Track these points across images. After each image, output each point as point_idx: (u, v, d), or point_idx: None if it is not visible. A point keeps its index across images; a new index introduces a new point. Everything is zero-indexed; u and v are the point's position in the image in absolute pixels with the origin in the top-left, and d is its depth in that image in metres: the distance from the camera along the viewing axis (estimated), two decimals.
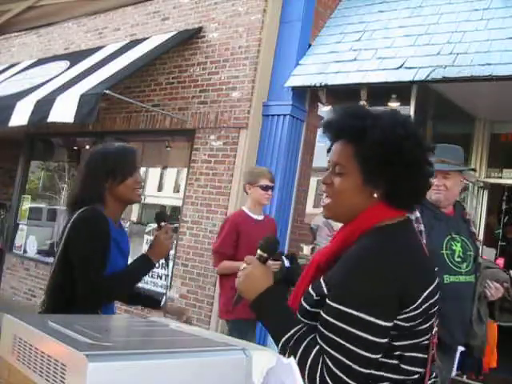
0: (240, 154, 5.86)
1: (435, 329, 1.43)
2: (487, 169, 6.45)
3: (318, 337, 1.33)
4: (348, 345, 1.27)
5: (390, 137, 1.35)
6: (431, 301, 1.35)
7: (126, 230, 2.84)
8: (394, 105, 5.79)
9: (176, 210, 6.79)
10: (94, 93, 5.42)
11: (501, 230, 7.18)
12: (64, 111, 5.43)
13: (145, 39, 6.86)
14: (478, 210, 6.49)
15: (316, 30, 6.21)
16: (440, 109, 6.20)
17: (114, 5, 4.83)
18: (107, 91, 5.43)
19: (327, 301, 1.33)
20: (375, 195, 1.40)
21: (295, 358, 1.30)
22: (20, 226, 8.62)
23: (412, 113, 5.48)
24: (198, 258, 5.97)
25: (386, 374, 1.33)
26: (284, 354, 1.34)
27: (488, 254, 6.55)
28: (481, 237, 6.49)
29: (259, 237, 1.63)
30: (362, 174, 1.39)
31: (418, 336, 1.36)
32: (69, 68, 6.99)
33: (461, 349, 4.54)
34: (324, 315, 1.32)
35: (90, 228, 2.09)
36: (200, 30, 6.47)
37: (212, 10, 6.44)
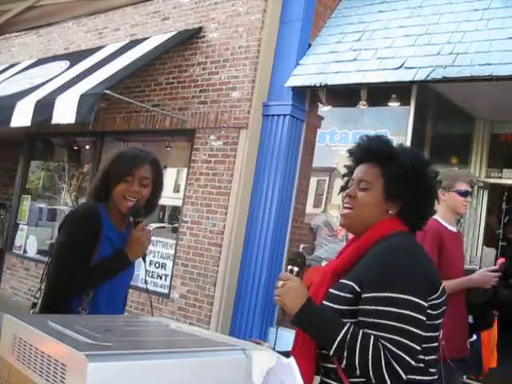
0: (240, 154, 5.86)
1: (440, 332, 1.58)
2: (487, 169, 6.44)
3: (368, 329, 1.44)
4: (402, 325, 1.41)
5: (414, 163, 1.61)
6: (443, 297, 1.55)
7: None
8: (393, 105, 5.79)
9: (176, 210, 6.79)
10: (94, 93, 5.42)
11: (501, 230, 7.18)
12: (65, 111, 5.43)
13: (145, 39, 6.85)
14: (478, 210, 6.49)
15: (316, 30, 6.21)
16: (440, 109, 6.20)
17: (113, 5, 4.82)
18: (107, 91, 5.43)
19: (368, 294, 1.47)
20: (390, 212, 1.63)
21: (355, 353, 1.41)
22: (20, 226, 8.62)
23: (412, 113, 5.48)
24: (197, 258, 5.97)
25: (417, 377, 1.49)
26: (341, 354, 1.44)
27: (488, 254, 6.55)
28: (481, 237, 6.50)
29: (459, 252, 1.92)
30: (384, 191, 1.62)
31: (434, 329, 1.52)
32: (69, 68, 6.99)
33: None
34: (371, 307, 1.46)
35: (73, 219, 2.12)
36: (200, 30, 6.47)
37: (212, 10, 6.44)
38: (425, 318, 1.45)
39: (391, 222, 1.61)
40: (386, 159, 1.63)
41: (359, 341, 1.42)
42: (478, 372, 4.89)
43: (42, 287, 2.26)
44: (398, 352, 1.40)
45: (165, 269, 6.36)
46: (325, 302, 1.56)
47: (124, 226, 2.26)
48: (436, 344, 1.55)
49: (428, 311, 1.48)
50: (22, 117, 5.87)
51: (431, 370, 1.53)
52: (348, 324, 1.47)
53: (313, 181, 6.37)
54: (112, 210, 2.18)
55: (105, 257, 2.13)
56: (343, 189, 1.75)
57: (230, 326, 5.79)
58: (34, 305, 2.24)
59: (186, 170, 6.50)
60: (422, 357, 1.48)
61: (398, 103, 5.74)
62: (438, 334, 1.54)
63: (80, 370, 0.97)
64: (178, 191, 6.84)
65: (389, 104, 5.81)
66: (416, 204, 1.61)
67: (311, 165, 6.24)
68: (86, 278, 2.11)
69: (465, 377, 5.11)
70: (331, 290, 1.57)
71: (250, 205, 5.90)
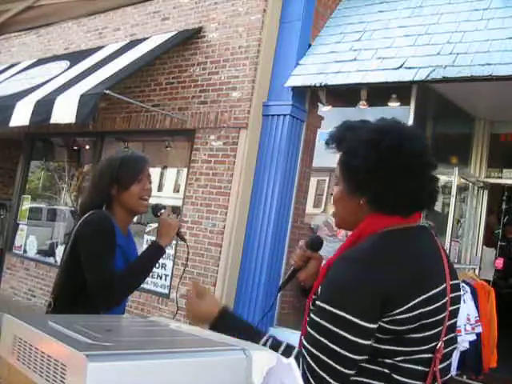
0: (240, 154, 5.86)
1: (440, 343, 1.36)
2: (487, 169, 6.45)
3: (303, 337, 1.34)
4: (331, 344, 1.27)
5: (351, 144, 1.39)
6: (425, 309, 1.31)
7: None
8: (393, 105, 5.80)
9: (176, 210, 6.79)
10: (94, 93, 5.42)
11: (501, 230, 7.18)
12: (65, 111, 5.43)
13: (145, 39, 6.86)
14: (478, 210, 6.49)
15: (316, 30, 6.21)
16: (440, 109, 6.20)
17: (113, 5, 4.83)
18: (107, 91, 5.43)
19: (316, 302, 1.36)
20: (361, 202, 1.40)
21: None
22: (20, 226, 8.62)
23: (412, 113, 5.48)
24: (197, 258, 5.97)
25: (375, 382, 1.32)
26: None
27: (488, 254, 6.56)
28: (481, 237, 6.50)
29: None
30: (345, 183, 1.44)
31: (409, 344, 1.32)
32: (69, 68, 6.99)
33: (461, 348, 4.56)
34: (312, 315, 1.35)
35: (96, 227, 2.09)
36: (200, 30, 6.47)
37: (212, 10, 6.44)
38: (360, 340, 1.27)
39: (376, 218, 1.39)
40: (338, 147, 1.46)
41: (280, 351, 1.34)
42: (478, 372, 4.91)
43: (37, 294, 2.23)
44: (318, 370, 1.28)
45: (165, 269, 6.36)
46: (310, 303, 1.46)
47: (126, 229, 2.28)
48: (425, 369, 1.34)
49: (386, 326, 1.29)
50: (21, 116, 5.88)
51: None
52: (266, 336, 1.41)
53: (313, 181, 6.37)
54: (117, 215, 2.18)
55: (140, 253, 2.19)
56: None
57: None
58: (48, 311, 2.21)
59: (185, 170, 6.51)
60: (397, 377, 1.31)
61: (398, 103, 5.74)
62: (419, 349, 1.33)
63: (80, 370, 0.97)
64: (178, 191, 6.85)
65: (389, 104, 5.81)
66: (384, 190, 1.37)
67: (311, 165, 6.24)
68: (132, 278, 2.11)
69: (465, 377, 5.11)
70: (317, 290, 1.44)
71: (250, 205, 5.90)
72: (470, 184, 6.38)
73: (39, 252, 8.20)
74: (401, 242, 1.39)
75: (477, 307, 4.77)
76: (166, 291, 6.27)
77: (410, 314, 1.29)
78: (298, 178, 6.03)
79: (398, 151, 1.36)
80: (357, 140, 1.39)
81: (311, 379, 1.28)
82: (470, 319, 4.62)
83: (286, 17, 6.06)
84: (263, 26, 5.96)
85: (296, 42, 5.96)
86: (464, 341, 4.52)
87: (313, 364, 1.29)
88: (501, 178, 6.40)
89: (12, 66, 8.58)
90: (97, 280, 2.02)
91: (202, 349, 1.17)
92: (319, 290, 1.39)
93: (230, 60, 6.13)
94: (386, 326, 1.30)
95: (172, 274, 6.22)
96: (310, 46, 6.10)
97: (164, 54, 6.49)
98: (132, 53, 6.49)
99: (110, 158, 2.26)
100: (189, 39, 6.50)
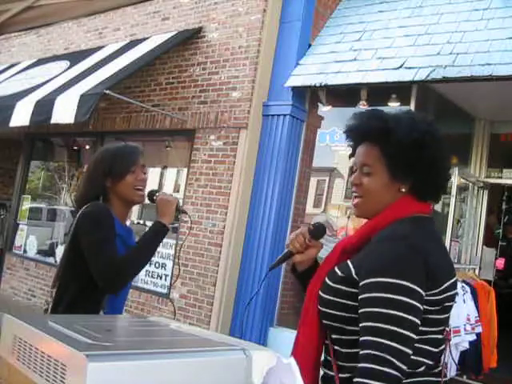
0: (240, 154, 5.86)
1: (450, 325, 1.47)
2: (487, 169, 6.45)
3: (362, 321, 1.34)
4: (394, 311, 1.30)
5: (412, 135, 1.46)
6: (450, 293, 1.41)
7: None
8: (393, 105, 5.79)
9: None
10: (94, 93, 5.42)
11: (501, 230, 7.18)
12: (64, 111, 5.43)
13: (145, 39, 6.86)
14: (478, 210, 6.49)
15: (316, 30, 6.21)
16: (440, 109, 6.20)
17: (113, 5, 4.82)
18: (107, 91, 5.43)
19: (364, 281, 1.37)
20: (403, 190, 1.49)
21: None
22: (20, 226, 8.62)
23: None
24: (197, 258, 5.97)
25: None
26: None
27: (488, 254, 6.55)
28: (481, 237, 6.50)
29: None
30: (389, 172, 1.49)
31: (427, 324, 1.37)
32: (69, 68, 6.99)
33: (461, 348, 4.56)
34: (363, 295, 1.36)
35: (95, 218, 2.10)
36: (200, 30, 6.47)
37: (212, 10, 6.44)
38: (419, 305, 1.32)
39: (406, 203, 1.49)
40: (381, 137, 1.49)
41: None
42: (478, 372, 4.90)
43: (37, 294, 2.23)
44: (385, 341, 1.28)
45: (165, 269, 6.36)
46: (326, 279, 1.49)
47: (125, 221, 2.30)
48: (434, 349, 1.42)
49: (425, 307, 1.35)
50: (21, 117, 5.88)
51: (419, 370, 1.39)
52: None
53: (313, 181, 6.37)
54: (114, 206, 2.19)
55: (143, 234, 2.17)
56: (352, 171, 1.62)
57: (230, 326, 5.79)
58: (46, 311, 2.21)
59: (185, 170, 6.51)
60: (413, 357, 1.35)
61: (398, 103, 5.74)
62: (433, 329, 1.40)
63: (80, 370, 0.97)
64: (178, 191, 6.85)
65: (389, 104, 5.81)
66: (426, 176, 1.47)
67: (311, 165, 6.24)
68: (138, 259, 2.11)
69: (465, 377, 5.11)
70: (334, 268, 1.48)
71: (250, 205, 5.90)
72: (470, 184, 6.38)
73: (39, 252, 8.20)
74: (432, 228, 1.51)
75: (477, 307, 4.77)
76: (166, 291, 6.27)
77: (440, 297, 1.38)
78: (298, 178, 6.03)
79: (440, 143, 1.53)
80: (417, 131, 1.47)
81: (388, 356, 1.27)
82: (470, 319, 4.62)
83: (286, 17, 6.05)
84: (263, 25, 5.96)
85: (296, 42, 5.96)
86: (464, 341, 4.51)
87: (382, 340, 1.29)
88: (501, 178, 6.40)
89: (12, 65, 8.58)
90: (103, 265, 2.02)
91: (202, 349, 1.17)
92: (355, 271, 1.41)
93: (230, 60, 6.13)
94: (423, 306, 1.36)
95: (172, 274, 6.22)
96: (309, 45, 6.09)
97: (164, 54, 6.49)
98: (132, 53, 6.49)
99: (104, 151, 2.27)
100: (189, 39, 6.50)
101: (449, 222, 5.48)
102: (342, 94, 5.93)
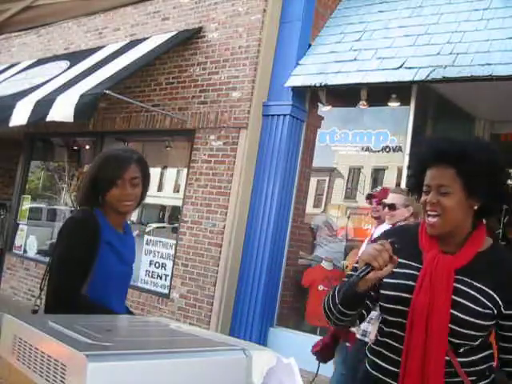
0: (240, 154, 5.86)
1: None
2: None
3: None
4: None
5: (489, 158, 1.63)
6: None
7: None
8: (393, 105, 5.79)
9: (176, 210, 6.80)
10: (94, 93, 5.42)
11: (501, 230, 7.17)
12: (64, 111, 5.42)
13: (145, 39, 6.86)
14: None
15: (316, 30, 6.21)
16: (440, 109, 6.19)
17: (113, 5, 4.80)
18: (107, 91, 5.43)
19: None
20: (475, 207, 1.65)
21: None
22: (20, 226, 8.62)
23: (412, 113, 5.48)
24: (197, 258, 5.97)
25: None
26: None
27: None
28: None
29: None
30: (466, 190, 1.63)
31: None
32: (69, 68, 6.99)
33: None
34: None
35: (71, 229, 2.04)
36: (200, 30, 6.47)
37: (212, 10, 6.44)
38: None
39: (483, 226, 1.70)
40: (457, 160, 1.63)
41: None
42: None
43: (42, 295, 2.19)
44: None
45: (165, 269, 6.36)
46: (456, 298, 1.59)
47: (122, 227, 2.21)
48: None
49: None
50: (20, 116, 5.88)
51: None
52: None
53: (313, 181, 6.37)
54: (108, 212, 2.12)
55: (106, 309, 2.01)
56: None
57: (230, 326, 5.79)
58: (35, 312, 2.18)
59: (185, 170, 6.51)
60: None
61: (398, 103, 5.74)
62: None
63: (80, 370, 0.97)
64: (178, 191, 6.85)
65: (389, 104, 5.81)
66: (496, 196, 1.65)
67: (311, 165, 6.24)
68: (83, 310, 1.94)
69: None
70: (459, 286, 1.60)
71: (250, 205, 5.90)
72: None
73: (39, 252, 8.20)
74: None
75: None
76: (166, 291, 6.26)
77: None
78: (298, 178, 6.03)
79: (504, 168, 1.70)
80: (494, 159, 1.66)
81: None
82: None
83: (286, 17, 6.05)
84: (263, 25, 5.96)
85: (296, 42, 5.96)
86: None
87: None
88: None
89: (12, 65, 8.58)
90: (54, 287, 1.97)
91: (202, 349, 1.17)
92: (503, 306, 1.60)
93: (230, 60, 6.13)
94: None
95: (172, 274, 6.22)
96: (309, 46, 6.09)
97: (164, 54, 6.49)
98: (132, 53, 6.49)
99: (98, 157, 2.18)
100: (189, 39, 6.50)
101: None
102: (342, 94, 5.93)
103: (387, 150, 5.72)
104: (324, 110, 6.23)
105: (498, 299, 1.58)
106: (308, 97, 6.09)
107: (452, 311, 1.56)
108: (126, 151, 2.22)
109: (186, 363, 1.08)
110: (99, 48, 7.34)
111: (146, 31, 7.09)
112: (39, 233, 8.45)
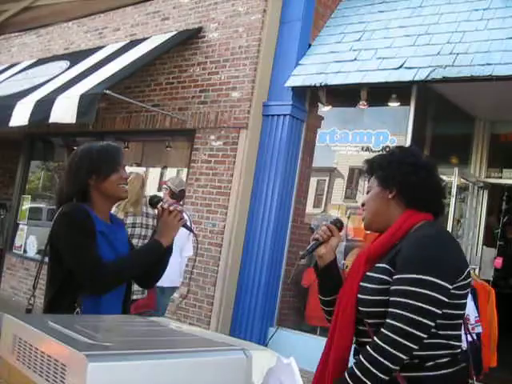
0: (240, 153, 5.86)
1: (466, 311, 1.80)
2: (487, 169, 6.44)
3: (394, 308, 1.61)
4: (423, 305, 1.58)
5: (398, 158, 1.85)
6: (469, 280, 1.74)
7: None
8: (393, 105, 5.79)
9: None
10: (94, 93, 5.42)
11: (499, 230, 7.17)
12: (64, 111, 5.43)
13: (145, 39, 6.86)
14: (478, 210, 6.49)
15: (316, 30, 6.21)
16: (440, 109, 6.20)
17: (113, 5, 4.80)
18: (107, 91, 5.43)
19: (399, 276, 1.64)
20: (390, 196, 1.80)
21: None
22: (20, 226, 8.61)
23: (412, 113, 5.48)
24: (197, 258, 5.96)
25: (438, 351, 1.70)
26: None
27: (488, 253, 6.55)
28: (480, 237, 6.49)
29: None
30: (379, 183, 1.85)
31: (456, 308, 1.71)
32: (69, 68, 6.99)
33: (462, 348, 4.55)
34: (400, 287, 1.62)
35: (69, 220, 2.11)
36: (200, 30, 6.47)
37: (212, 10, 6.44)
38: (446, 299, 1.63)
39: (410, 214, 1.79)
40: (373, 169, 1.89)
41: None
42: (478, 372, 4.89)
43: (36, 294, 2.26)
44: (409, 329, 1.57)
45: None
46: (362, 283, 1.72)
47: (109, 219, 2.28)
48: (459, 321, 1.78)
49: (453, 291, 1.65)
50: (20, 116, 5.88)
51: (452, 343, 1.76)
52: None
53: (313, 181, 6.37)
54: (95, 203, 2.19)
55: (139, 248, 2.20)
56: None
57: (230, 326, 5.79)
58: (29, 311, 2.23)
59: (185, 170, 6.50)
60: (436, 331, 1.66)
61: (398, 103, 5.74)
62: (461, 312, 1.77)
63: (80, 370, 0.97)
64: None
65: (389, 104, 5.81)
66: (409, 185, 1.78)
67: (311, 165, 6.24)
68: (121, 264, 2.12)
69: None
70: (368, 273, 1.73)
71: (250, 205, 5.90)
72: (470, 184, 6.37)
73: (39, 252, 8.19)
74: (446, 230, 1.89)
75: (477, 307, 4.76)
76: None
77: (465, 282, 1.70)
78: (298, 178, 6.03)
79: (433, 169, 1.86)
80: (412, 163, 1.82)
81: (404, 339, 1.56)
82: (469, 319, 4.62)
83: (286, 17, 6.05)
84: (263, 25, 5.96)
85: (296, 42, 5.96)
86: (463, 341, 4.50)
87: (406, 327, 1.57)
88: (501, 178, 6.39)
89: (12, 65, 8.58)
90: (83, 268, 2.04)
91: (202, 349, 1.17)
92: (398, 264, 1.66)
93: (229, 60, 6.13)
94: (454, 291, 1.67)
95: None
96: (310, 46, 6.09)
97: (164, 54, 6.49)
98: (132, 53, 6.48)
99: (86, 150, 2.27)
100: (189, 39, 6.50)
101: (449, 222, 5.47)
102: (342, 94, 5.93)
103: (387, 150, 5.73)
104: (324, 109, 6.23)
105: (390, 268, 1.69)
106: (308, 97, 6.09)
107: (359, 295, 1.72)
108: (107, 143, 2.37)
109: (185, 363, 1.08)
110: (99, 48, 7.34)
111: (146, 31, 7.09)
112: (39, 233, 8.44)
